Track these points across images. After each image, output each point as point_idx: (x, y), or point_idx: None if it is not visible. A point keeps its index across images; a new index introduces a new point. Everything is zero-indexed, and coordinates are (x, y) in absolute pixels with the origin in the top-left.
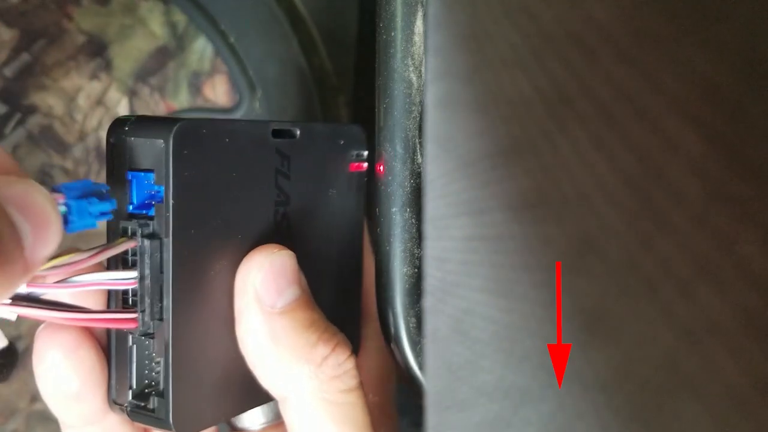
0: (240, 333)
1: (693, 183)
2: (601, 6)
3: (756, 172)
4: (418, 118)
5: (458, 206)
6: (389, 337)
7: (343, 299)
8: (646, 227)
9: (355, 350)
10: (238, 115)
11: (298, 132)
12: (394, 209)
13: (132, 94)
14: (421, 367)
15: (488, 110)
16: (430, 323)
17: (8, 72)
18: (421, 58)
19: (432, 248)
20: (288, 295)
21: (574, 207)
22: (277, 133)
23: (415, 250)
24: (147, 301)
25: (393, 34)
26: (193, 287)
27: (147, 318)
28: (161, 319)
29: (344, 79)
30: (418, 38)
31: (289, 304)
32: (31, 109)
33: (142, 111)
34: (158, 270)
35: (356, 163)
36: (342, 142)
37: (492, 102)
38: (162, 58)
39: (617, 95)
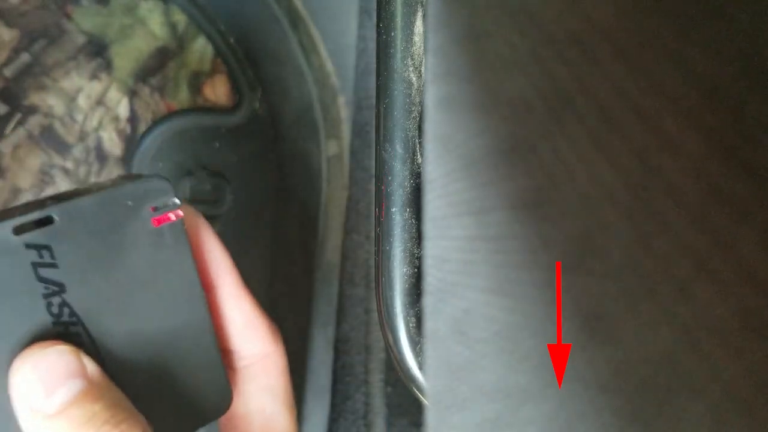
0: None
1: (693, 183)
2: (601, 6)
3: (756, 172)
4: (418, 118)
5: (458, 206)
6: (389, 337)
7: (193, 361)
8: (646, 227)
9: (226, 404)
10: (238, 115)
11: (56, 217)
12: (394, 209)
13: (132, 94)
14: (421, 367)
15: (488, 110)
16: (430, 323)
17: (8, 72)
18: (421, 58)
19: (432, 248)
20: (62, 394)
21: (574, 207)
22: (24, 228)
23: (415, 250)
24: None
25: (393, 34)
26: None
27: None
28: None
29: (344, 79)
30: (418, 38)
31: (64, 403)
32: (32, 110)
33: (142, 111)
34: None
35: (161, 217)
36: (130, 203)
37: (492, 102)
38: (162, 58)
39: (617, 95)
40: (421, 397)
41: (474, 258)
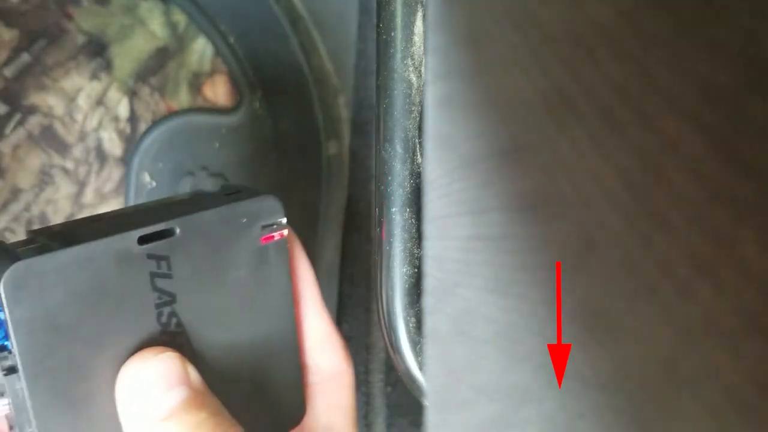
0: None
1: (693, 183)
2: (602, 6)
3: (756, 172)
4: (418, 118)
5: (458, 206)
6: (389, 337)
7: (277, 373)
8: (645, 227)
9: (299, 416)
10: (237, 116)
11: (178, 229)
12: (394, 209)
13: (132, 94)
14: (421, 367)
15: (488, 110)
16: (430, 323)
17: (8, 72)
18: (421, 58)
19: (432, 248)
20: (170, 400)
21: (574, 207)
22: (147, 239)
23: (415, 250)
24: (16, 428)
25: (393, 34)
26: (63, 410)
27: None
28: None
29: (344, 79)
30: (417, 38)
31: (171, 408)
32: (32, 110)
33: (142, 111)
34: (20, 399)
35: (269, 235)
36: (244, 221)
37: (492, 102)
38: (162, 58)
39: (617, 95)
40: (421, 397)
41: (474, 258)
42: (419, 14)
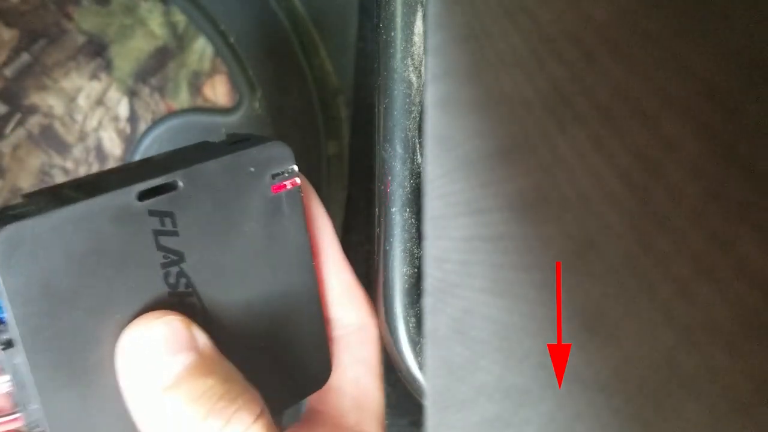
0: (132, 416)
1: (692, 183)
2: (601, 6)
3: (755, 172)
4: (417, 118)
5: (458, 206)
6: (389, 337)
7: (300, 330)
8: (645, 227)
9: (326, 376)
10: (237, 115)
11: (181, 183)
12: (393, 209)
13: (132, 94)
14: (421, 367)
15: (488, 110)
16: (429, 323)
17: (8, 72)
18: (421, 58)
19: (432, 248)
20: (174, 366)
21: (573, 207)
22: (148, 194)
23: (415, 250)
24: (20, 404)
25: (393, 34)
26: (68, 384)
27: (27, 417)
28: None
29: (344, 79)
30: (417, 38)
31: (177, 375)
32: (32, 109)
33: (142, 111)
34: (21, 375)
35: (280, 184)
36: (252, 170)
37: (491, 102)
38: (162, 58)
39: (616, 95)
40: (421, 397)
41: (473, 258)
42: (419, 14)
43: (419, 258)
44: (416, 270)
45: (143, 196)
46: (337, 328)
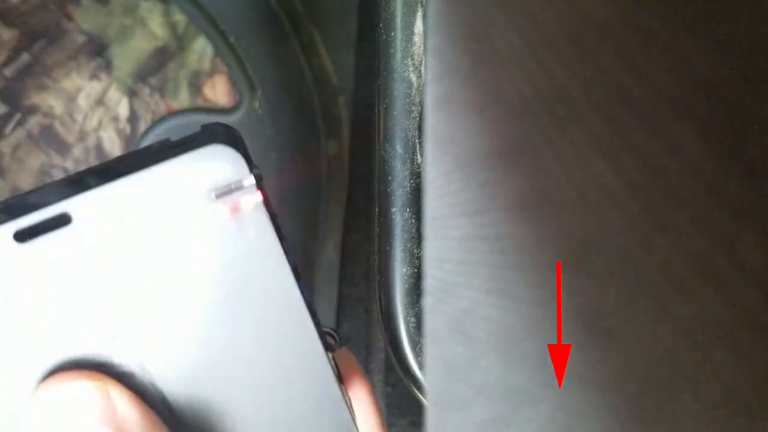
0: None
1: (692, 183)
2: (600, 6)
3: (755, 172)
4: (417, 118)
5: (458, 206)
6: (389, 337)
7: (303, 398)
8: (645, 227)
9: None
10: (237, 115)
11: (73, 214)
12: (393, 209)
13: (132, 94)
14: (421, 367)
15: (488, 110)
16: (429, 323)
17: (8, 72)
18: (421, 58)
19: (431, 248)
20: None
21: (573, 207)
22: (28, 233)
23: (415, 250)
24: None
25: (393, 34)
26: None
27: None
28: None
29: (344, 79)
30: (417, 38)
31: None
32: (32, 109)
33: (142, 111)
34: None
35: (231, 204)
36: (180, 188)
37: (491, 102)
38: (162, 58)
39: (617, 95)
40: (420, 397)
41: (473, 258)
42: (419, 14)
43: (419, 258)
44: (416, 270)
45: (23, 236)
46: None
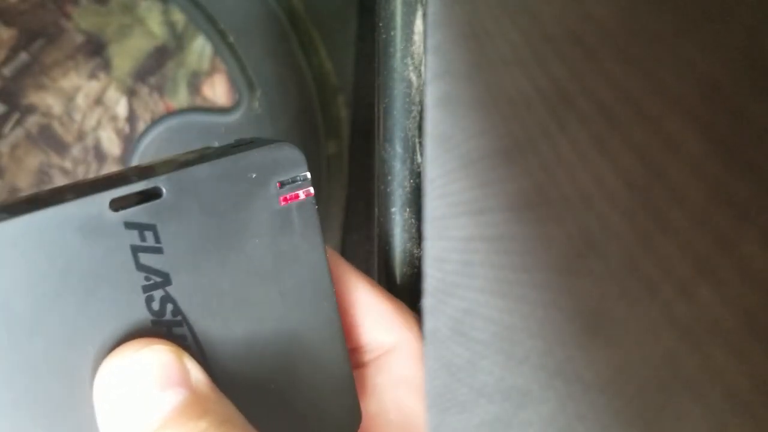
0: None
1: (694, 183)
2: (601, 5)
3: (757, 172)
4: (417, 118)
5: (458, 206)
6: None
7: (319, 369)
8: (646, 227)
9: (354, 424)
10: (236, 115)
11: (164, 189)
12: (393, 209)
13: (131, 93)
14: None
15: (488, 109)
16: (429, 324)
17: (7, 71)
18: (421, 57)
19: (432, 248)
20: (162, 405)
21: (574, 207)
22: (124, 202)
23: (415, 250)
24: None
25: (392, 33)
26: (30, 424)
27: None
28: None
29: (344, 78)
30: (417, 37)
31: (163, 416)
32: (30, 109)
33: (141, 110)
34: None
35: (290, 194)
36: (254, 176)
37: (492, 101)
38: (161, 57)
39: (617, 95)
40: None
41: (473, 259)
42: (419, 13)
43: (419, 258)
44: (416, 270)
45: (118, 205)
46: (369, 352)
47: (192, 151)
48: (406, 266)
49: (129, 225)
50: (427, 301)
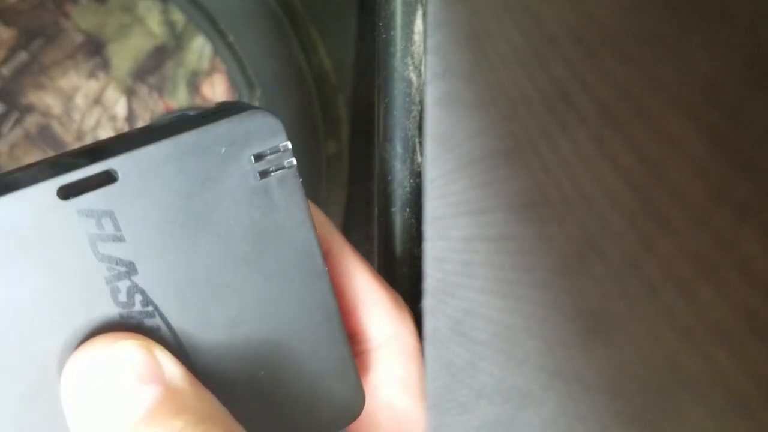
0: None
1: (695, 183)
2: (603, 5)
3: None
4: (418, 118)
5: (457, 206)
6: None
7: (315, 353)
8: (647, 227)
9: (357, 408)
10: None
11: (119, 172)
12: (393, 209)
13: (130, 93)
14: None
15: (488, 109)
16: (430, 324)
17: (6, 71)
18: (421, 57)
19: (432, 248)
20: (133, 403)
21: (574, 207)
22: (75, 189)
23: (415, 250)
24: None
25: (392, 32)
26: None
27: None
28: None
29: (344, 77)
30: (417, 37)
31: (135, 416)
32: (29, 109)
33: (140, 110)
34: None
35: (268, 167)
36: (223, 150)
37: (492, 101)
38: (160, 57)
39: (618, 94)
40: None
41: (473, 259)
42: (419, 13)
43: (419, 258)
44: (416, 270)
45: (68, 192)
46: (361, 343)
47: (153, 123)
48: (406, 266)
49: (83, 213)
50: (428, 302)
